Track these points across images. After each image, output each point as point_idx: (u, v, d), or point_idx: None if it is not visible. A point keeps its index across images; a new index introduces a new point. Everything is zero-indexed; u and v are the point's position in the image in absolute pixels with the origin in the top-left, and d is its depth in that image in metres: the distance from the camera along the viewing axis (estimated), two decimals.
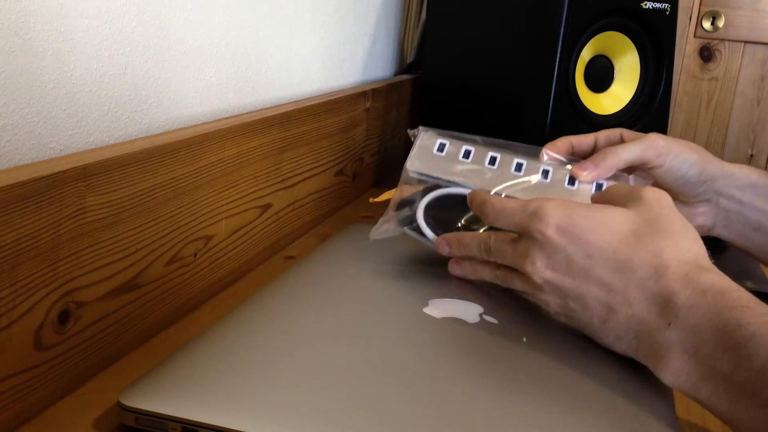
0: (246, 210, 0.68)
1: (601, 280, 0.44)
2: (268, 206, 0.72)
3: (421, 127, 0.61)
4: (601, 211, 0.46)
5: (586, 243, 0.44)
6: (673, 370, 0.41)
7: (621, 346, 0.46)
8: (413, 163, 0.59)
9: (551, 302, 0.48)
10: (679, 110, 1.69)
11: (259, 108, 0.76)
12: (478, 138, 0.61)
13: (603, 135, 0.64)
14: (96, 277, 0.48)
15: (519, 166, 0.60)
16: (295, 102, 0.81)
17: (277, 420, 0.40)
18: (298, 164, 0.78)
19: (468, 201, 0.54)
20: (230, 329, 0.51)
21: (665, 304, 0.42)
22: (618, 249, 0.44)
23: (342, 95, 0.90)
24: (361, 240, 0.72)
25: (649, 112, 0.96)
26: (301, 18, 0.85)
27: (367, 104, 0.99)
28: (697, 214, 0.64)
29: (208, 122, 0.65)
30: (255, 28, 0.74)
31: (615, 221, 0.45)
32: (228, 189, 0.64)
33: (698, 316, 0.40)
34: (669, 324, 0.41)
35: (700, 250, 0.45)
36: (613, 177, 0.62)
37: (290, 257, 0.75)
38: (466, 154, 0.58)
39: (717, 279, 0.42)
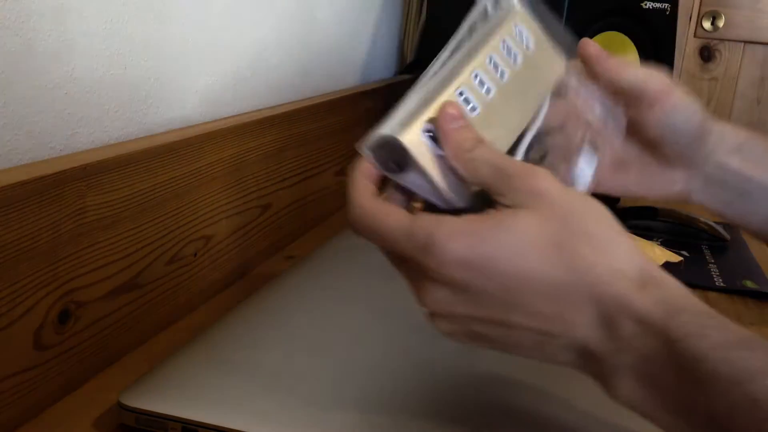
0: (246, 210, 0.68)
1: (531, 310, 0.36)
2: (268, 206, 0.72)
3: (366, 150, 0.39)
4: (508, 229, 0.36)
5: (502, 274, 0.35)
6: (626, 395, 0.35)
7: (557, 361, 0.38)
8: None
9: (451, 331, 0.38)
10: None
11: (259, 108, 0.76)
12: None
13: (592, 48, 0.51)
14: (96, 277, 0.48)
15: (496, 66, 0.42)
16: (295, 102, 0.81)
17: (277, 420, 0.40)
18: (298, 164, 0.78)
19: (347, 208, 0.39)
20: (230, 329, 0.51)
21: (611, 329, 0.35)
22: (543, 272, 0.35)
23: (342, 95, 0.90)
24: (362, 240, 0.72)
25: None
26: (301, 18, 0.85)
27: (367, 104, 0.99)
28: (677, 180, 0.54)
29: (208, 122, 0.65)
30: (255, 28, 0.74)
31: (527, 235, 0.36)
32: (228, 189, 0.64)
33: (649, 346, 0.34)
34: (618, 350, 0.35)
35: (627, 252, 0.37)
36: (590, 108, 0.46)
37: (290, 257, 0.75)
38: (465, 100, 0.40)
39: (659, 296, 0.35)
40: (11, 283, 0.41)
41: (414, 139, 0.37)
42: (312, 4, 0.87)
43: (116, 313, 0.51)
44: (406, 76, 1.19)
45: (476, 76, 0.40)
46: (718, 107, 1.69)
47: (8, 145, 0.46)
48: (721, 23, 1.63)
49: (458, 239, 0.35)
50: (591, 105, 0.48)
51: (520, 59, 0.43)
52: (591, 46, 0.49)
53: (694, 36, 1.66)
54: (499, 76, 0.42)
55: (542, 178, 0.37)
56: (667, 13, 0.95)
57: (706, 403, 0.33)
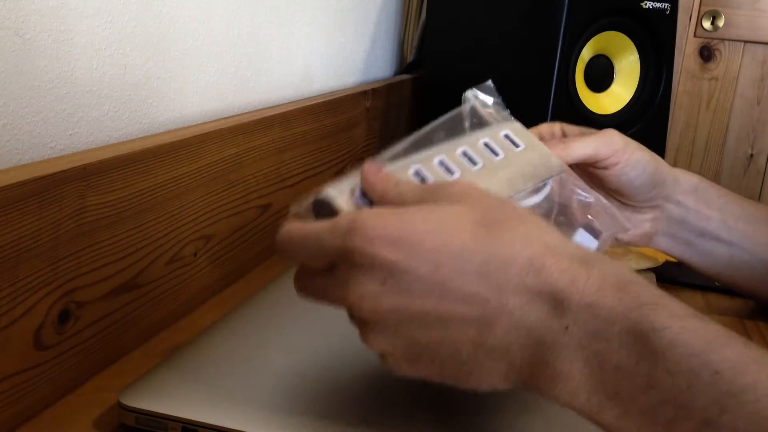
0: (246, 210, 0.68)
1: (465, 292, 0.33)
2: (268, 206, 0.73)
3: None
4: (434, 210, 0.35)
5: (432, 250, 0.33)
6: (571, 388, 0.32)
7: (500, 370, 0.34)
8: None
9: (387, 347, 0.35)
10: (679, 110, 1.68)
11: (259, 108, 0.76)
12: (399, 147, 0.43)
13: (545, 129, 0.57)
14: (96, 277, 0.48)
15: (469, 158, 0.43)
16: (295, 102, 0.81)
17: (277, 420, 0.40)
18: (298, 164, 0.78)
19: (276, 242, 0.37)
20: (230, 329, 0.51)
21: (556, 303, 0.33)
22: (474, 249, 0.33)
23: (342, 95, 0.90)
24: None
25: (649, 112, 0.96)
26: (302, 18, 0.85)
27: (367, 104, 0.99)
28: (644, 221, 0.60)
29: (208, 122, 0.65)
30: (255, 28, 0.74)
31: (455, 217, 0.34)
32: (228, 189, 0.64)
33: (601, 317, 0.32)
34: (566, 328, 0.32)
35: (561, 237, 0.36)
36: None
37: None
38: (421, 179, 0.41)
39: (605, 271, 0.33)
40: (11, 283, 0.41)
41: (344, 198, 0.38)
42: (313, 4, 0.87)
43: (116, 313, 0.51)
44: (406, 76, 1.19)
45: (441, 162, 0.42)
46: (718, 107, 1.69)
47: (8, 145, 0.46)
48: (721, 23, 1.63)
49: (383, 218, 0.34)
50: (584, 198, 0.51)
51: (501, 155, 0.45)
52: None
53: (694, 36, 1.66)
54: (468, 164, 0.43)
55: (468, 184, 0.37)
56: (667, 13, 0.95)
57: (662, 378, 0.30)
